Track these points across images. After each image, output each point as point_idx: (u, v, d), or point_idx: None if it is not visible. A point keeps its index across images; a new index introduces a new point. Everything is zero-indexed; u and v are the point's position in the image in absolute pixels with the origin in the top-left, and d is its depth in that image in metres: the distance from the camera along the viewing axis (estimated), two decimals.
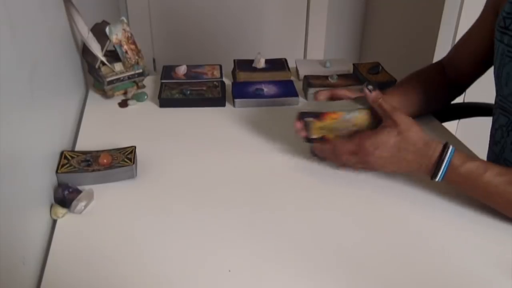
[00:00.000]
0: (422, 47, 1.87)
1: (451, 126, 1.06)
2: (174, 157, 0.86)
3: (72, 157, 0.80)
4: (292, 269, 0.62)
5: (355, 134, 0.77)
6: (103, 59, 1.03)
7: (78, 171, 0.77)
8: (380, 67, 1.18)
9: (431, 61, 1.75)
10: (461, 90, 1.02)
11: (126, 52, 1.06)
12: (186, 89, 1.09)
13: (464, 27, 1.65)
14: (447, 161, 0.70)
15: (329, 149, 0.79)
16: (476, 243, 0.68)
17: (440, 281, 0.61)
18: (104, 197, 0.75)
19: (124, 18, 1.06)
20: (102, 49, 1.03)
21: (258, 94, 1.08)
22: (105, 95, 1.07)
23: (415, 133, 0.72)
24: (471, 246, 0.67)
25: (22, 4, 0.69)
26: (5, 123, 0.56)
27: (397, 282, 0.61)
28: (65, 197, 0.72)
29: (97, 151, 0.82)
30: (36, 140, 0.70)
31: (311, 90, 1.08)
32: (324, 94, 0.89)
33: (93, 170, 0.77)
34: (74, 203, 0.71)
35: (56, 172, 0.76)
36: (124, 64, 1.06)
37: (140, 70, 1.09)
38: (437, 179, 0.72)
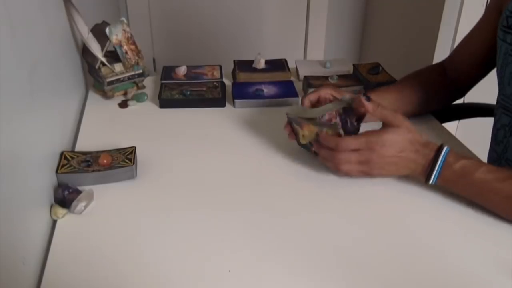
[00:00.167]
0: (422, 47, 1.87)
1: (451, 126, 1.06)
2: (174, 158, 0.87)
3: (72, 158, 0.80)
4: (292, 269, 0.62)
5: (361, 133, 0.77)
6: (103, 59, 1.03)
7: (78, 172, 0.77)
8: (380, 68, 1.18)
9: (431, 61, 1.76)
10: (462, 92, 1.02)
11: (126, 52, 1.06)
12: (186, 90, 1.09)
13: (464, 27, 1.66)
14: (442, 157, 0.71)
15: (332, 144, 0.76)
16: (476, 243, 0.68)
17: (440, 281, 0.61)
18: (104, 198, 0.75)
19: (124, 19, 1.06)
20: (102, 50, 1.03)
21: (258, 95, 1.08)
22: (105, 95, 1.07)
23: (415, 134, 0.74)
24: (471, 246, 0.67)
25: (22, 4, 0.69)
26: (5, 123, 0.56)
27: (397, 282, 0.61)
28: (65, 197, 0.72)
29: (97, 152, 0.82)
30: (36, 140, 0.70)
31: (311, 91, 1.08)
32: (308, 99, 0.87)
33: (93, 171, 0.77)
34: (74, 203, 0.71)
35: (56, 172, 0.76)
36: (124, 65, 1.06)
37: (140, 71, 1.09)
38: (431, 178, 0.72)
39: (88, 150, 0.83)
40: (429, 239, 0.68)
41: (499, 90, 0.87)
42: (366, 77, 1.14)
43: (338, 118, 0.78)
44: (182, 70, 1.17)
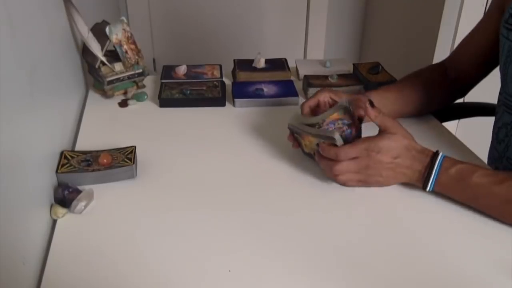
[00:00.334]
0: (422, 47, 1.87)
1: (451, 126, 1.06)
2: (174, 157, 0.87)
3: (72, 157, 0.80)
4: (292, 269, 0.62)
5: (357, 140, 0.76)
6: (103, 59, 1.03)
7: (78, 171, 0.77)
8: (380, 67, 1.18)
9: (431, 61, 1.76)
10: (463, 92, 1.02)
11: (126, 52, 1.06)
12: (186, 89, 1.09)
13: (464, 27, 1.66)
14: (438, 163, 0.71)
15: (332, 155, 0.75)
16: (476, 243, 0.68)
17: (440, 281, 0.61)
18: (104, 197, 0.75)
19: (124, 18, 1.06)
20: (102, 49, 1.03)
21: (258, 94, 1.08)
22: (105, 95, 1.07)
23: (410, 141, 0.74)
24: (471, 246, 0.67)
25: (22, 4, 0.69)
26: (5, 123, 0.56)
27: (397, 282, 0.61)
28: (65, 197, 0.72)
29: (97, 151, 0.82)
30: (36, 140, 0.70)
31: (311, 90, 1.08)
32: (308, 105, 0.86)
33: (93, 170, 0.77)
34: (74, 203, 0.71)
35: (56, 172, 0.76)
36: (124, 64, 1.06)
37: (140, 70, 1.09)
38: (429, 184, 0.73)
39: (88, 150, 0.83)
40: (429, 239, 0.68)
41: (501, 88, 0.87)
42: (366, 77, 1.14)
43: (344, 128, 0.77)
44: (182, 70, 1.17)
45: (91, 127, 0.96)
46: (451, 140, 0.94)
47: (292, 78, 1.18)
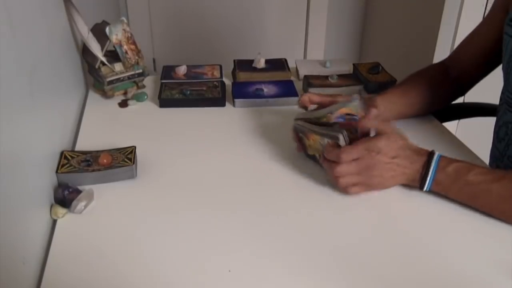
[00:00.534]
0: (422, 47, 1.87)
1: (451, 126, 1.06)
2: (174, 157, 0.87)
3: (72, 157, 0.80)
4: (292, 269, 0.62)
5: (356, 141, 0.74)
6: (103, 59, 1.03)
7: (78, 171, 0.77)
8: (380, 67, 1.18)
9: (431, 61, 1.75)
10: (463, 90, 1.02)
11: (126, 52, 1.06)
12: (186, 89, 1.09)
13: (464, 27, 1.66)
14: (435, 161, 0.71)
15: (334, 157, 0.74)
16: (476, 242, 0.68)
17: (440, 281, 0.61)
18: (104, 197, 0.75)
19: (124, 18, 1.06)
20: (102, 49, 1.03)
21: (258, 94, 1.08)
22: (105, 95, 1.07)
23: (406, 141, 0.75)
24: (471, 246, 0.67)
25: (22, 4, 0.69)
26: (5, 123, 0.56)
27: (397, 282, 0.61)
28: (65, 197, 0.72)
29: (97, 151, 0.82)
30: (36, 140, 0.70)
31: (311, 90, 1.08)
32: (308, 99, 0.87)
33: (93, 170, 0.77)
34: (74, 203, 0.71)
35: (56, 172, 0.76)
36: (124, 64, 1.06)
37: (140, 70, 1.09)
38: (426, 183, 0.72)
39: (88, 150, 0.83)
40: (429, 239, 0.68)
41: (504, 86, 0.87)
42: (366, 77, 1.14)
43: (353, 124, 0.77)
44: (182, 70, 1.17)
45: (91, 127, 0.96)
46: (451, 140, 0.94)
47: (292, 78, 1.18)
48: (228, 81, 1.16)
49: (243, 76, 1.16)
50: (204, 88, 1.10)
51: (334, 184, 0.76)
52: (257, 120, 1.00)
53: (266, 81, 1.13)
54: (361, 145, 0.73)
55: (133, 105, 1.06)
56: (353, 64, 1.22)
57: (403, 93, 0.95)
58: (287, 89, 1.10)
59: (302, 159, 0.85)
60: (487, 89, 1.05)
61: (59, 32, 0.95)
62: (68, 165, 0.78)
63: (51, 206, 0.71)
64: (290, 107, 1.06)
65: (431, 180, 0.72)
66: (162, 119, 1.01)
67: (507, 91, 0.86)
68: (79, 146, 0.89)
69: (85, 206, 0.72)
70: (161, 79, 1.15)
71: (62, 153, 0.81)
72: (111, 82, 1.05)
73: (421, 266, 0.63)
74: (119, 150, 0.83)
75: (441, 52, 1.74)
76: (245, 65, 1.20)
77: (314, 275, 0.61)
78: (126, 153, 0.82)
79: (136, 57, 1.07)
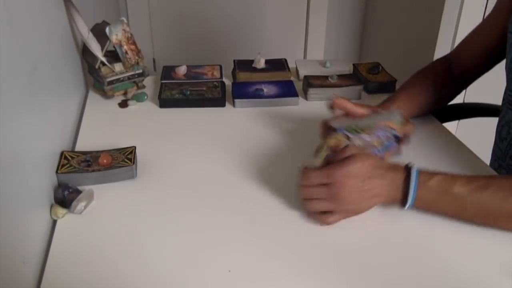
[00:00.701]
0: (422, 47, 1.87)
1: (451, 126, 1.06)
2: (174, 158, 0.87)
3: (72, 157, 0.80)
4: (292, 269, 0.62)
5: (326, 165, 0.70)
6: (103, 59, 1.03)
7: (78, 171, 0.77)
8: (380, 67, 1.18)
9: (431, 61, 1.75)
10: (464, 86, 1.02)
11: (126, 52, 1.06)
12: (186, 90, 1.09)
13: (464, 27, 1.66)
14: (414, 176, 0.66)
15: (302, 177, 0.70)
16: (476, 242, 0.67)
17: (440, 281, 0.61)
18: (104, 197, 0.75)
19: (124, 18, 1.06)
20: (102, 49, 1.03)
21: (258, 95, 1.08)
22: (105, 95, 1.07)
23: (376, 159, 0.69)
24: (470, 246, 0.67)
25: (22, 4, 0.69)
26: (5, 123, 0.56)
27: (397, 282, 0.61)
28: (65, 197, 0.72)
29: (97, 151, 0.82)
30: (36, 140, 0.70)
31: (311, 90, 1.08)
32: (341, 104, 0.81)
33: (93, 170, 0.77)
34: (74, 203, 0.71)
35: (56, 172, 0.76)
36: (124, 65, 1.06)
37: (140, 71, 1.09)
38: (408, 200, 0.67)
39: (88, 150, 0.83)
40: (428, 239, 0.68)
41: (507, 86, 0.87)
42: (366, 77, 1.14)
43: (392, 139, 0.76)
44: (182, 70, 1.17)
45: (91, 127, 0.96)
46: (451, 140, 0.94)
47: (292, 78, 1.18)
48: (228, 81, 1.16)
49: (243, 76, 1.16)
50: (204, 88, 1.10)
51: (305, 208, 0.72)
52: (257, 121, 1.00)
53: (266, 81, 1.13)
54: (327, 170, 0.68)
55: (133, 105, 1.06)
56: (353, 64, 1.22)
57: (409, 98, 0.93)
58: (287, 89, 1.10)
59: (303, 159, 0.85)
60: (487, 90, 1.06)
61: (59, 32, 0.95)
62: (68, 165, 0.78)
63: (51, 206, 0.71)
64: (290, 108, 1.06)
65: (414, 196, 0.67)
66: (162, 119, 1.01)
67: (509, 90, 0.86)
68: (79, 146, 0.89)
69: (85, 207, 0.72)
70: (161, 79, 1.15)
71: (62, 153, 0.81)
72: (111, 82, 1.05)
73: (421, 267, 0.63)
74: (119, 150, 0.83)
75: (441, 52, 1.74)
76: (245, 65, 1.20)
77: (314, 275, 0.61)
78: (126, 153, 0.82)
79: (136, 57, 1.07)
